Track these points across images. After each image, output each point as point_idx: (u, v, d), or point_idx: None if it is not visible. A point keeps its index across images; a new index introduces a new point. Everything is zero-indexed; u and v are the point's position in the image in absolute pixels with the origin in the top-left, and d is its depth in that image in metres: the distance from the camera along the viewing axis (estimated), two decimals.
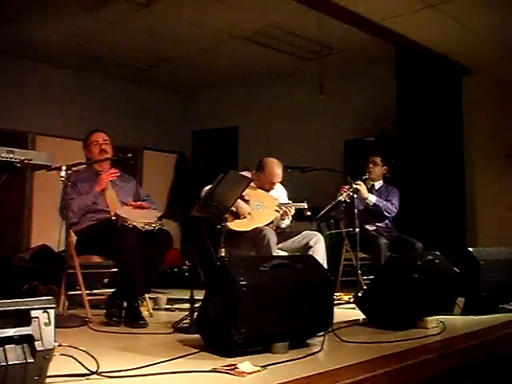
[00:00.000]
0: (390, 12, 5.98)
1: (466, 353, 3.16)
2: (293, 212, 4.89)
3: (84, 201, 4.29)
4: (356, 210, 5.08)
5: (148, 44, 7.35)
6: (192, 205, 4.17)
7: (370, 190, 5.86)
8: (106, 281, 5.55)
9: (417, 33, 6.49)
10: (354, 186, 5.27)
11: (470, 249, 4.50)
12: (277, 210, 4.88)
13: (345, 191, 5.22)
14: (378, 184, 6.00)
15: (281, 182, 5.31)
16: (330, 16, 6.14)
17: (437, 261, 3.96)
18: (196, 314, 3.31)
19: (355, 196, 5.18)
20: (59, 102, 7.97)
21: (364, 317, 3.96)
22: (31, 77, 7.78)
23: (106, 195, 4.39)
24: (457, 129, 7.19)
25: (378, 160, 5.96)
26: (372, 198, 5.71)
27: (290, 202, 4.98)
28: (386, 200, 5.84)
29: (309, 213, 5.03)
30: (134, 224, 3.98)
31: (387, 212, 5.75)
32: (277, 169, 5.03)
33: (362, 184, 5.57)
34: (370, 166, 5.93)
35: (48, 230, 5.14)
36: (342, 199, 5.22)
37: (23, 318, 2.12)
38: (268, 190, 5.07)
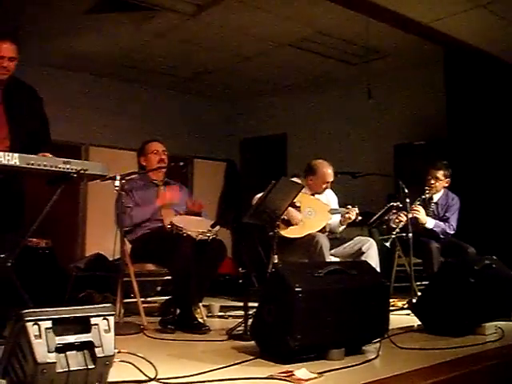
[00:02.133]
0: (438, 13, 5.89)
1: None
2: (354, 217, 4.86)
3: (144, 213, 4.36)
4: (409, 216, 5.01)
5: (195, 53, 7.42)
6: (243, 212, 4.19)
7: (428, 202, 5.67)
8: (158, 288, 5.61)
9: (466, 33, 6.37)
10: (413, 211, 5.24)
11: None
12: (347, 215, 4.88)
13: (401, 219, 5.15)
14: (438, 196, 5.75)
15: (331, 188, 5.29)
16: (376, 20, 6.10)
17: (494, 265, 3.87)
18: (250, 320, 3.31)
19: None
20: (109, 113, 8.12)
21: (419, 323, 3.90)
22: (81, 89, 7.94)
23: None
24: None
25: (441, 175, 5.65)
26: (430, 224, 5.51)
27: (350, 206, 4.94)
28: (444, 216, 5.63)
29: (360, 218, 4.98)
30: (189, 233, 4.02)
31: (443, 235, 5.57)
32: (328, 168, 5.07)
33: (421, 210, 5.43)
34: (432, 181, 5.63)
35: (102, 239, 5.22)
36: (391, 204, 5.19)
37: (84, 325, 2.16)
38: (321, 193, 5.06)
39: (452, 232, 5.63)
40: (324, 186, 5.07)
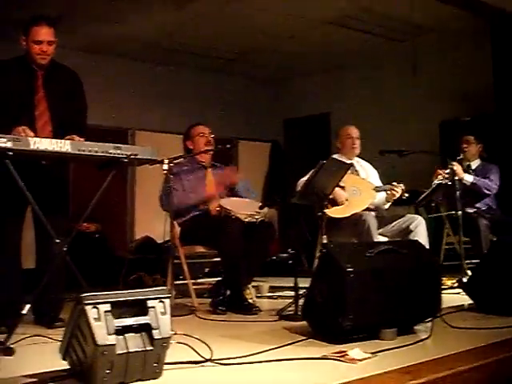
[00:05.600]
0: None
1: None
2: (399, 193, 4.81)
3: (188, 199, 4.39)
4: (458, 193, 4.95)
5: (238, 34, 7.41)
6: (289, 192, 4.19)
7: (467, 170, 5.69)
8: (206, 270, 5.69)
9: None
10: (449, 167, 5.17)
11: None
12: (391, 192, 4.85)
13: (440, 174, 5.15)
14: (475, 163, 5.82)
15: (374, 166, 5.25)
16: None
17: None
18: (301, 301, 3.32)
19: (455, 178, 5.09)
20: (154, 97, 8.17)
21: (469, 302, 3.86)
22: (125, 74, 8.01)
23: (207, 188, 4.50)
24: None
25: (472, 139, 5.80)
26: (468, 178, 5.55)
27: (395, 183, 4.88)
28: (485, 178, 5.65)
29: (406, 194, 4.92)
30: (238, 215, 4.06)
31: (487, 189, 5.57)
32: (349, 126, 5.17)
33: (457, 164, 5.42)
34: (464, 145, 5.78)
35: (151, 222, 5.31)
36: (439, 182, 5.15)
37: (141, 308, 2.21)
38: (352, 156, 5.07)
39: (495, 187, 5.62)
40: (349, 140, 5.06)
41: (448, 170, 5.16)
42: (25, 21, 3.49)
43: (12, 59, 3.56)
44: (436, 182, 5.24)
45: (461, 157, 5.65)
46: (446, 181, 5.14)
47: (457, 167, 5.38)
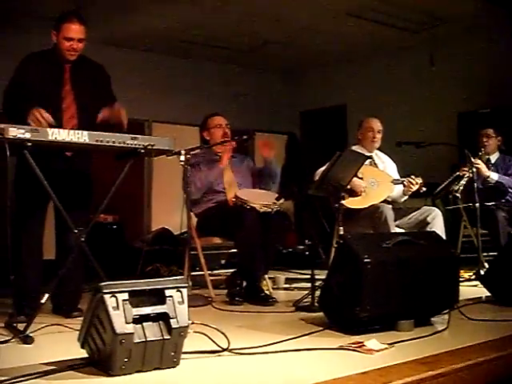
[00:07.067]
0: None
1: None
2: (416, 187, 4.79)
3: (207, 177, 4.40)
4: (476, 185, 4.92)
5: (253, 26, 7.37)
6: (306, 184, 4.19)
7: (487, 164, 5.63)
8: (223, 262, 5.70)
9: None
10: (474, 165, 5.13)
11: None
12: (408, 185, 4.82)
13: (465, 172, 5.11)
14: (494, 157, 5.76)
15: (392, 158, 5.23)
16: None
17: None
18: (318, 292, 3.33)
19: (475, 172, 5.06)
20: (170, 89, 8.16)
21: (487, 294, 3.85)
22: (141, 65, 8.01)
23: (224, 176, 4.50)
24: None
25: (491, 132, 5.71)
26: (494, 176, 5.47)
27: (413, 176, 4.85)
28: (506, 174, 5.60)
29: (424, 188, 4.90)
30: (253, 206, 4.06)
31: (510, 187, 5.51)
32: (372, 119, 5.14)
33: (481, 162, 5.37)
34: (484, 139, 5.69)
35: (168, 213, 5.31)
36: (457, 174, 5.13)
37: (159, 297, 2.23)
38: (372, 148, 5.06)
39: None
40: (370, 133, 5.05)
41: (472, 169, 5.11)
42: (53, 16, 3.53)
43: (40, 52, 3.58)
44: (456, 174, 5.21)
45: (482, 152, 5.57)
46: (469, 175, 5.12)
47: (481, 165, 5.33)
